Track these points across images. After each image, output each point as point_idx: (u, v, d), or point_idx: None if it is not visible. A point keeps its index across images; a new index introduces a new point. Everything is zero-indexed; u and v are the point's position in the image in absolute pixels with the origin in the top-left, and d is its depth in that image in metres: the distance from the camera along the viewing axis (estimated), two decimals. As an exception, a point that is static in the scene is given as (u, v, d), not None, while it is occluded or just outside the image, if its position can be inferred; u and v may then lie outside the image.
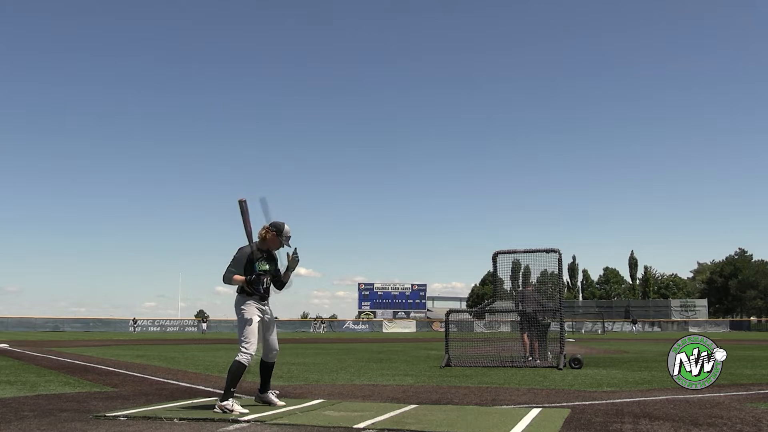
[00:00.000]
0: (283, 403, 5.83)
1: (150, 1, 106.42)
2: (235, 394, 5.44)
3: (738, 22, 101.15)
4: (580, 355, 11.07)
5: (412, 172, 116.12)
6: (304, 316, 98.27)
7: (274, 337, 5.85)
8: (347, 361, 12.75)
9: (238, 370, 5.43)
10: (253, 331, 5.54)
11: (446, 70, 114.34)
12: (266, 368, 5.89)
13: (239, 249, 5.69)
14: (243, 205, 5.70)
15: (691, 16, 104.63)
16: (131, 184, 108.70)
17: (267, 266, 5.71)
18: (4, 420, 5.05)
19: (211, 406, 5.47)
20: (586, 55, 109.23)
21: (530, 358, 11.28)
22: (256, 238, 5.77)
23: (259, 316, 5.65)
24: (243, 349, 5.45)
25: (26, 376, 9.23)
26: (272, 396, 5.89)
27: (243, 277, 5.59)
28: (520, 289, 11.70)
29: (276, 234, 5.72)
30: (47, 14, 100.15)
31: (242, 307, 5.61)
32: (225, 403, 5.30)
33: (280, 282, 5.87)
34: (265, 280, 5.71)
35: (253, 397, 6.04)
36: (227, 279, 5.62)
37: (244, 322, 5.56)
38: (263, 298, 5.72)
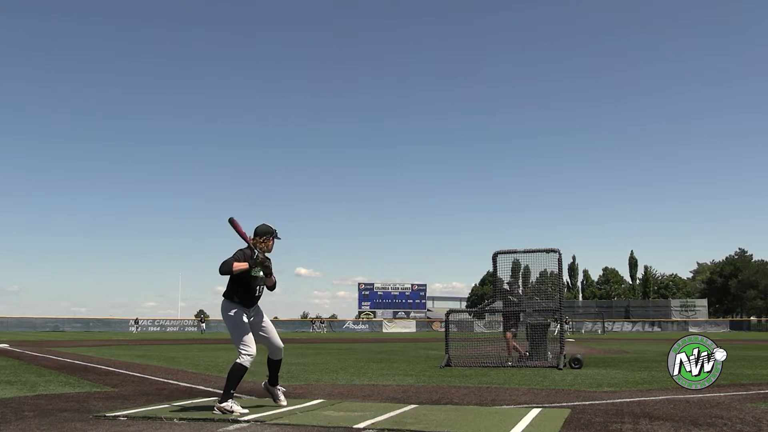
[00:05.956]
0: (285, 403, 5.86)
1: (147, 1, 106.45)
2: (234, 395, 5.45)
3: (738, 23, 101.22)
4: (580, 355, 11.07)
5: (412, 172, 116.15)
6: (304, 316, 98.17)
7: (275, 336, 5.86)
8: (347, 361, 12.75)
9: (239, 372, 5.43)
10: (247, 333, 5.54)
11: (446, 70, 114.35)
12: (274, 364, 5.92)
13: (241, 249, 5.63)
14: (233, 222, 5.63)
15: (691, 17, 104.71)
16: (131, 184, 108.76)
17: (261, 272, 5.70)
18: (4, 420, 5.05)
19: (211, 407, 5.47)
20: (586, 55, 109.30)
21: (510, 358, 11.24)
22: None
23: (247, 319, 5.63)
24: (243, 352, 5.44)
25: (26, 376, 9.23)
26: (279, 391, 5.93)
27: (245, 264, 5.47)
28: (506, 287, 11.63)
29: (263, 238, 5.72)
30: (47, 14, 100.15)
31: (229, 312, 5.58)
32: (224, 404, 5.29)
33: (271, 286, 5.84)
34: (258, 288, 5.70)
35: (253, 397, 6.03)
36: (227, 266, 5.43)
37: (234, 325, 5.54)
38: (251, 304, 5.69)
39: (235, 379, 5.41)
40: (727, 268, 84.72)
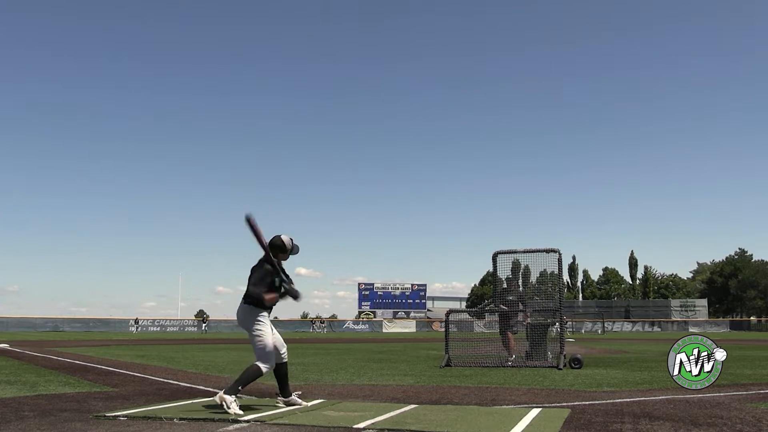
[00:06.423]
0: (307, 404, 5.87)
1: (148, 1, 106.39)
2: (239, 395, 5.45)
3: (738, 23, 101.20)
4: (580, 355, 11.06)
5: (412, 172, 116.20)
6: (304, 316, 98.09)
7: (278, 336, 5.87)
8: (347, 361, 12.74)
9: (255, 375, 5.48)
10: (270, 343, 5.58)
11: (446, 70, 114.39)
12: (281, 369, 5.86)
13: (262, 266, 5.63)
14: (250, 222, 5.57)
15: (692, 17, 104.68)
16: (131, 184, 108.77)
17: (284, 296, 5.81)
18: (4, 420, 5.05)
19: (212, 406, 5.46)
20: (586, 55, 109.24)
21: (511, 358, 11.24)
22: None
23: (271, 328, 5.72)
24: (264, 361, 5.50)
25: (26, 376, 9.22)
26: (296, 398, 5.91)
27: (275, 295, 5.63)
28: (504, 286, 11.64)
29: (282, 252, 5.76)
30: (47, 14, 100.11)
31: (257, 319, 5.59)
32: (228, 398, 5.28)
33: (293, 294, 5.82)
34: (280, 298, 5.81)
35: (253, 397, 6.03)
36: (258, 296, 5.53)
37: (260, 334, 5.56)
38: (270, 310, 5.79)
39: (248, 378, 5.45)
40: (727, 268, 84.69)
